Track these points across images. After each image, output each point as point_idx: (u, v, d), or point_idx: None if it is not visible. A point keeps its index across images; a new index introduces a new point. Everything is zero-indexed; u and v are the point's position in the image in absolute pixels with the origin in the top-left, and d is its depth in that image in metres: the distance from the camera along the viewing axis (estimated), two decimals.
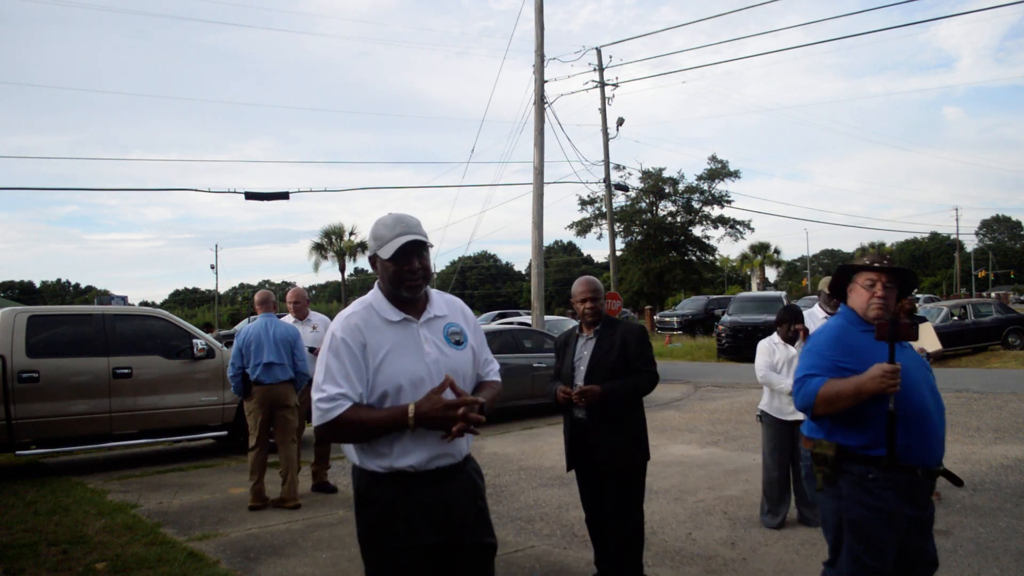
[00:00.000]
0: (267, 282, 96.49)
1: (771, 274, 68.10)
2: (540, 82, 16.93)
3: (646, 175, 42.52)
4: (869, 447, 2.72)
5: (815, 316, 6.08)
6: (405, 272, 2.36)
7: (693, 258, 45.80)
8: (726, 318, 21.01)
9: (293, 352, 6.36)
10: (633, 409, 4.10)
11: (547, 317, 17.82)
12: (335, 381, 2.25)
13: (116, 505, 6.41)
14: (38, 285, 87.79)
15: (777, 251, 64.67)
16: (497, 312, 31.75)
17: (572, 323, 18.26)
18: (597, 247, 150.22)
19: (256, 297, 6.67)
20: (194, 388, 8.30)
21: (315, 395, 2.27)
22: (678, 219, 44.83)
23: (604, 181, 24.33)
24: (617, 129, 24.51)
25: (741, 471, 7.15)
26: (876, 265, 2.85)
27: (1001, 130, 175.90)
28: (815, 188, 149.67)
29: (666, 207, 44.98)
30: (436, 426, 2.24)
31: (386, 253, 2.33)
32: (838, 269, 3.00)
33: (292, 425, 6.41)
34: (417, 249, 2.36)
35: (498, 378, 2.61)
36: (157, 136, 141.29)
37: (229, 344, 7.24)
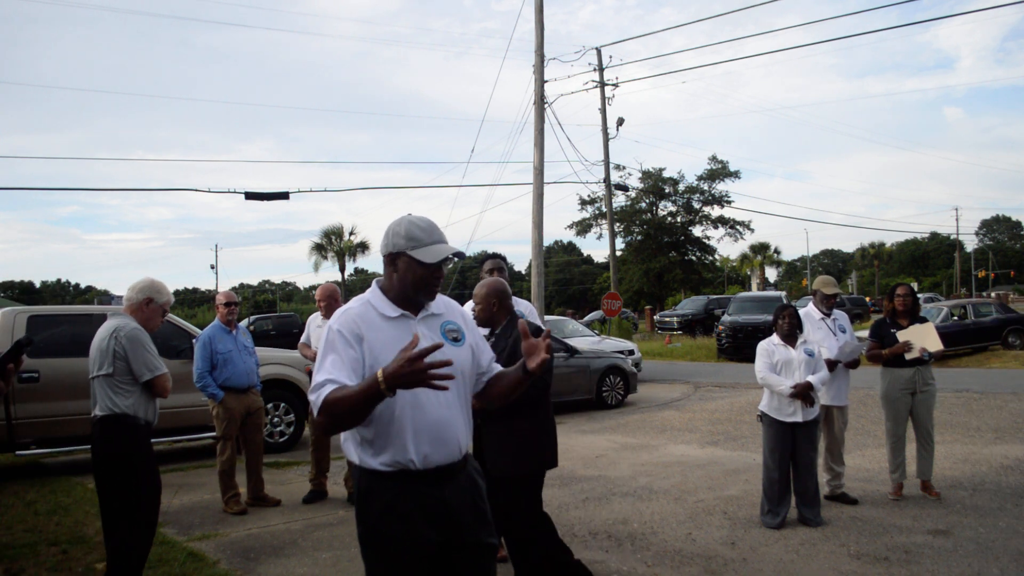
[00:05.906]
0: (267, 282, 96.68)
1: (771, 274, 68.16)
2: (540, 82, 16.94)
3: (646, 175, 42.59)
4: None
5: (811, 316, 6.07)
6: (434, 279, 2.38)
7: (693, 258, 45.88)
8: (726, 318, 21.02)
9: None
10: (526, 414, 3.83)
11: (547, 317, 17.83)
12: (325, 370, 2.24)
13: None
14: (38, 285, 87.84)
15: (777, 251, 64.73)
16: None
17: (572, 323, 18.36)
18: (597, 247, 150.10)
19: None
20: (194, 388, 8.28)
21: (310, 391, 2.28)
22: (678, 219, 44.92)
23: (604, 181, 24.36)
24: (617, 129, 24.55)
25: (741, 471, 7.15)
26: None
27: (1001, 130, 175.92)
28: (815, 188, 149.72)
29: (666, 207, 45.10)
30: (409, 383, 2.05)
31: (427, 257, 2.34)
32: None
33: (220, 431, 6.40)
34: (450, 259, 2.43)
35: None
36: (157, 136, 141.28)
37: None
